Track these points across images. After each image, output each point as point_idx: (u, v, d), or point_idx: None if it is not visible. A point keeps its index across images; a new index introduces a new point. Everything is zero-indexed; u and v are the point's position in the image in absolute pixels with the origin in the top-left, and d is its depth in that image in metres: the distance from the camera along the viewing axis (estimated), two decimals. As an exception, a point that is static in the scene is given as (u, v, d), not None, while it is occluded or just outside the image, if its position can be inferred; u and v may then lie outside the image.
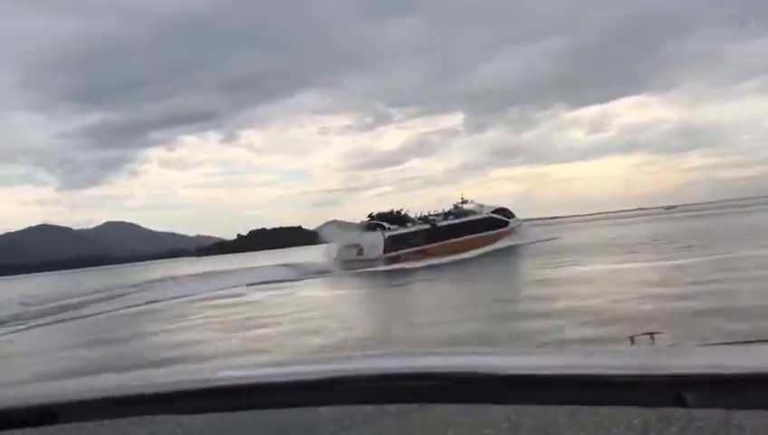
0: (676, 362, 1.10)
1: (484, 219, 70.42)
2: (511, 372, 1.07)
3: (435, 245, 63.30)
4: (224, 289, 38.99)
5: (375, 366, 1.15)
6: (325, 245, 61.97)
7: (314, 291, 37.14)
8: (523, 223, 78.31)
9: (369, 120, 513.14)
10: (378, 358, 1.22)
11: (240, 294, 35.74)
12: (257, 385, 1.13)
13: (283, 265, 57.70)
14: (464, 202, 72.12)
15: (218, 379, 1.15)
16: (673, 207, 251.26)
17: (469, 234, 67.11)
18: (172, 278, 53.14)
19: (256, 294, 35.06)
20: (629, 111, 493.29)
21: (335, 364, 1.19)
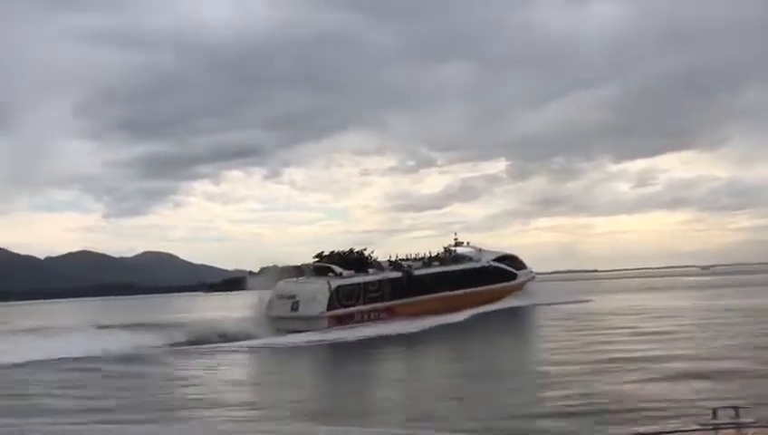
0: None
1: (483, 269, 52.03)
2: None
3: (406, 301, 45.32)
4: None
5: None
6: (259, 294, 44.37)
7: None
8: (536, 276, 59.07)
9: (411, 162, 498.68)
10: None
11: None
12: None
13: (173, 324, 40.36)
14: (457, 244, 53.78)
15: None
16: (709, 266, 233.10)
17: (459, 288, 48.97)
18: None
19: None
20: (677, 166, 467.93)
21: None
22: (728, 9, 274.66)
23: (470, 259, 52.60)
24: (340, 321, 41.17)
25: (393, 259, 48.37)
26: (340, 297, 41.68)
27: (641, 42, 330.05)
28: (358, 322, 42.05)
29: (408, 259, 49.32)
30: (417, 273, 46.84)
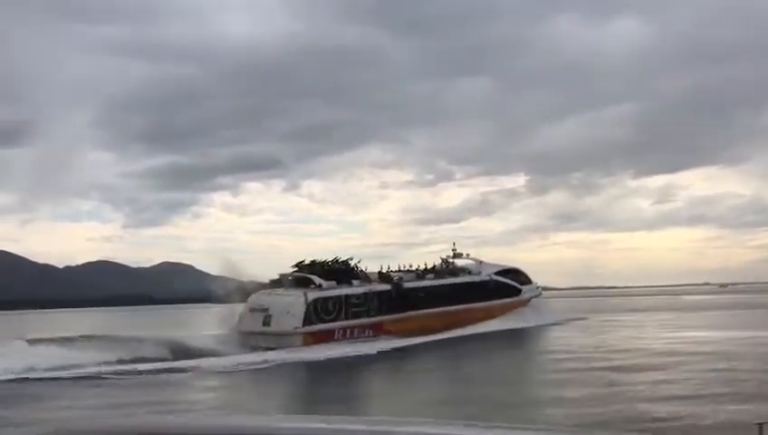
0: None
1: (483, 283, 47.28)
2: None
3: (395, 317, 40.78)
4: None
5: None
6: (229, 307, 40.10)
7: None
8: (543, 292, 54.15)
9: (429, 176, 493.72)
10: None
11: None
12: None
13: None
14: (456, 256, 49.04)
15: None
16: (726, 284, 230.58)
17: (455, 303, 44.25)
18: None
19: None
20: (698, 182, 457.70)
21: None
22: (749, 28, 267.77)
23: (469, 272, 47.94)
24: (318, 338, 36.75)
25: (386, 271, 43.91)
26: (318, 311, 37.28)
27: (662, 58, 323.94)
28: (339, 339, 37.64)
29: (400, 271, 44.83)
30: (408, 286, 42.30)
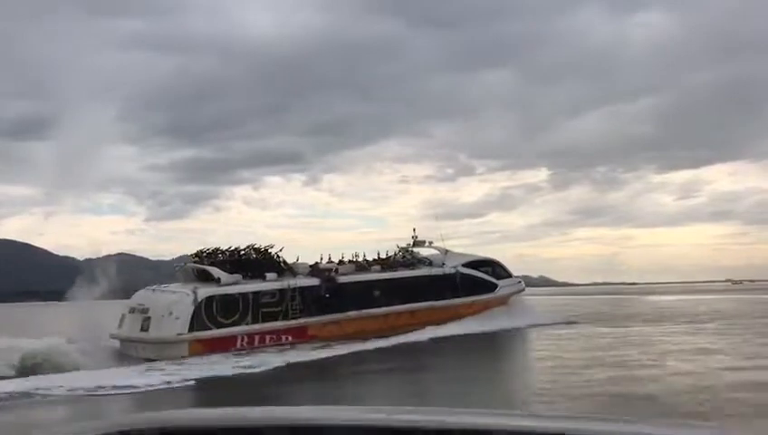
0: None
1: (446, 277, 38.06)
2: None
3: (324, 319, 32.05)
4: None
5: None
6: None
7: None
8: (525, 287, 44.80)
9: (450, 171, 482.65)
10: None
11: None
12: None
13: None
14: (416, 243, 39.86)
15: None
16: (739, 281, 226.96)
17: (408, 301, 35.36)
18: None
19: None
20: (723, 177, 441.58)
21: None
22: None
23: (429, 263, 38.85)
24: (212, 346, 28.07)
25: (321, 263, 35.09)
26: (212, 313, 28.60)
27: (687, 51, 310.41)
28: (244, 347, 28.96)
29: (341, 262, 35.98)
30: (343, 280, 33.34)
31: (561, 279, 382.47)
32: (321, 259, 36.26)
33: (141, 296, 29.64)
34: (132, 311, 29.00)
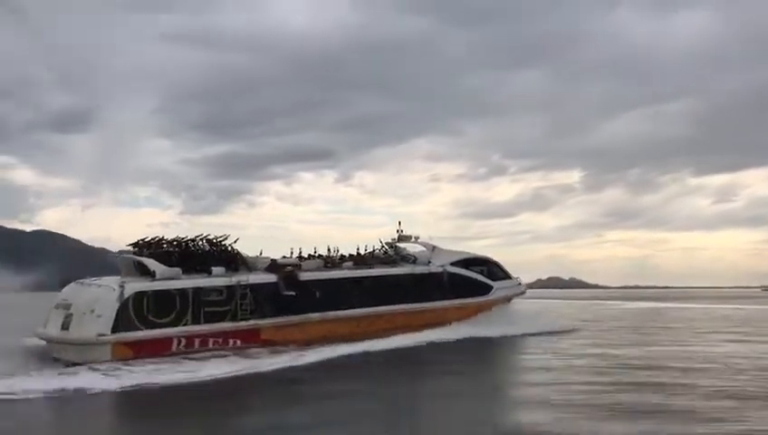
0: None
1: (431, 277, 33.83)
2: None
3: (281, 320, 28.12)
4: None
5: None
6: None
7: None
8: (526, 289, 40.13)
9: (482, 170, 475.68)
10: None
11: None
12: None
13: None
14: (401, 239, 35.67)
15: None
16: None
17: (384, 303, 31.29)
18: None
19: None
20: (760, 182, 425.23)
21: None
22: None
23: (413, 261, 34.57)
24: (142, 349, 24.28)
25: (286, 258, 31.11)
26: (143, 311, 24.75)
27: (727, 53, 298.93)
28: (180, 351, 25.10)
29: (307, 256, 31.96)
30: (305, 278, 29.25)
31: (592, 281, 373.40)
32: (292, 253, 32.34)
33: (68, 290, 26.03)
34: (57, 307, 25.39)
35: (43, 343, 25.67)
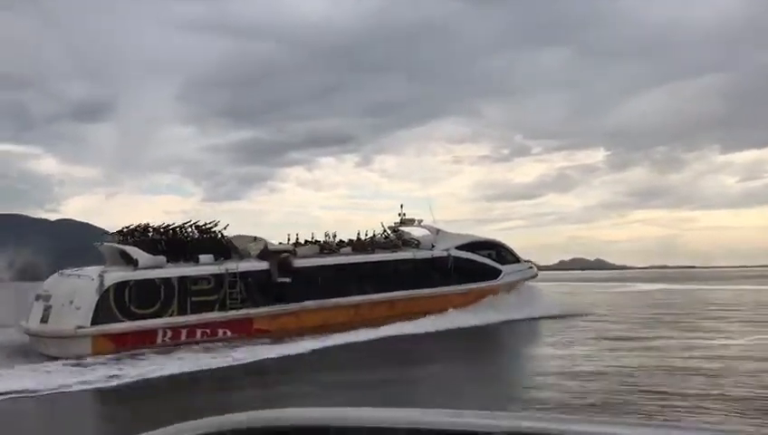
0: None
1: (436, 261, 32.36)
2: None
3: (274, 310, 26.87)
4: None
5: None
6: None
7: None
8: (537, 273, 38.43)
9: (505, 151, 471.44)
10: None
11: None
12: None
13: None
14: (403, 222, 34.17)
15: None
16: None
17: (383, 290, 29.91)
18: None
19: None
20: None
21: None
22: None
23: (416, 245, 33.05)
24: (124, 342, 23.14)
25: (274, 245, 29.73)
26: (125, 302, 23.60)
27: (756, 29, 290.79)
28: (166, 343, 23.93)
29: (301, 243, 30.61)
30: (300, 264, 27.89)
31: (618, 262, 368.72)
32: (289, 240, 31.05)
33: (49, 281, 24.93)
34: (38, 298, 24.31)
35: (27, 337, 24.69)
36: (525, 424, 1.32)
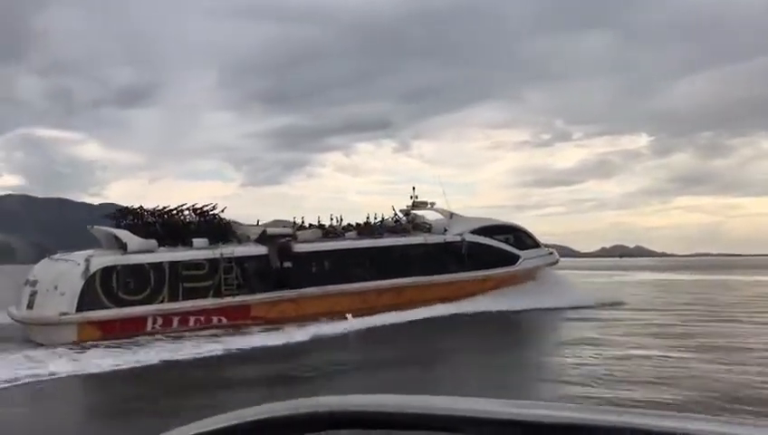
0: None
1: (448, 246, 30.78)
2: None
3: (273, 296, 25.63)
4: None
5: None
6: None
7: None
8: (558, 259, 36.46)
9: (546, 136, 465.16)
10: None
11: None
12: None
13: None
14: (415, 205, 32.55)
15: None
16: None
17: (390, 276, 28.48)
18: None
19: None
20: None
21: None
22: None
23: (428, 229, 31.43)
24: (112, 329, 22.19)
25: (271, 230, 28.48)
26: (112, 287, 22.62)
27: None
28: (157, 331, 22.92)
29: (306, 226, 29.33)
30: (301, 249, 26.56)
31: (659, 249, 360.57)
32: (294, 223, 29.81)
33: (38, 266, 24.12)
34: (26, 284, 23.50)
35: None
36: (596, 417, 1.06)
